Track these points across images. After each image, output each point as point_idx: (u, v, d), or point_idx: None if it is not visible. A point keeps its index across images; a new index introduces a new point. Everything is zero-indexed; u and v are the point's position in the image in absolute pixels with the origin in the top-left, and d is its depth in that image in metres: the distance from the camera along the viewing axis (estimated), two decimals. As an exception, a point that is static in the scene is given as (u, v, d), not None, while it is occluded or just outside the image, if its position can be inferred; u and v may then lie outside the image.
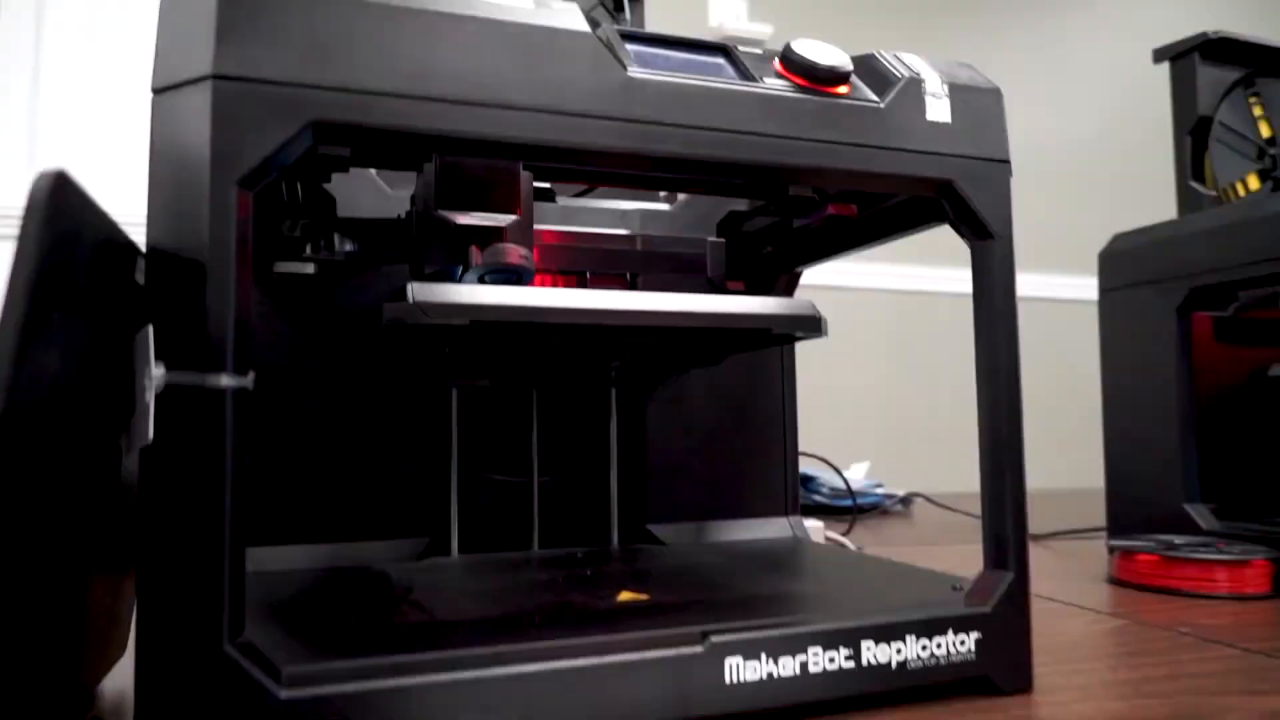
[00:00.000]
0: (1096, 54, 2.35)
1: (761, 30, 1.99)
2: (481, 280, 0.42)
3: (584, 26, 0.33)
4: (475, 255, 0.40)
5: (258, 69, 0.29)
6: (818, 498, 1.09)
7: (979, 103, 0.39)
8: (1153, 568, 0.60)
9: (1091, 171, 2.30)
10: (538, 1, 0.34)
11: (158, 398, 0.28)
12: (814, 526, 0.80)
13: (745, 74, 0.37)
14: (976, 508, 1.19)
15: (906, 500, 1.14)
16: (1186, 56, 0.80)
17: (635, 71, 0.33)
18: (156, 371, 0.28)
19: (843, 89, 0.37)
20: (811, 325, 0.41)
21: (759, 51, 0.38)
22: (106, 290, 0.29)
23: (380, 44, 0.30)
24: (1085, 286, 2.25)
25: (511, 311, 0.36)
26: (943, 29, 2.22)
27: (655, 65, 0.35)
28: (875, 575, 0.47)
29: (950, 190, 0.38)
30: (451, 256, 0.40)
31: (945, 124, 0.38)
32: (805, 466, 1.23)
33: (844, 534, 0.85)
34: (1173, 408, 0.71)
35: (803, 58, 0.37)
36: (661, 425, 0.57)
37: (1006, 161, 0.39)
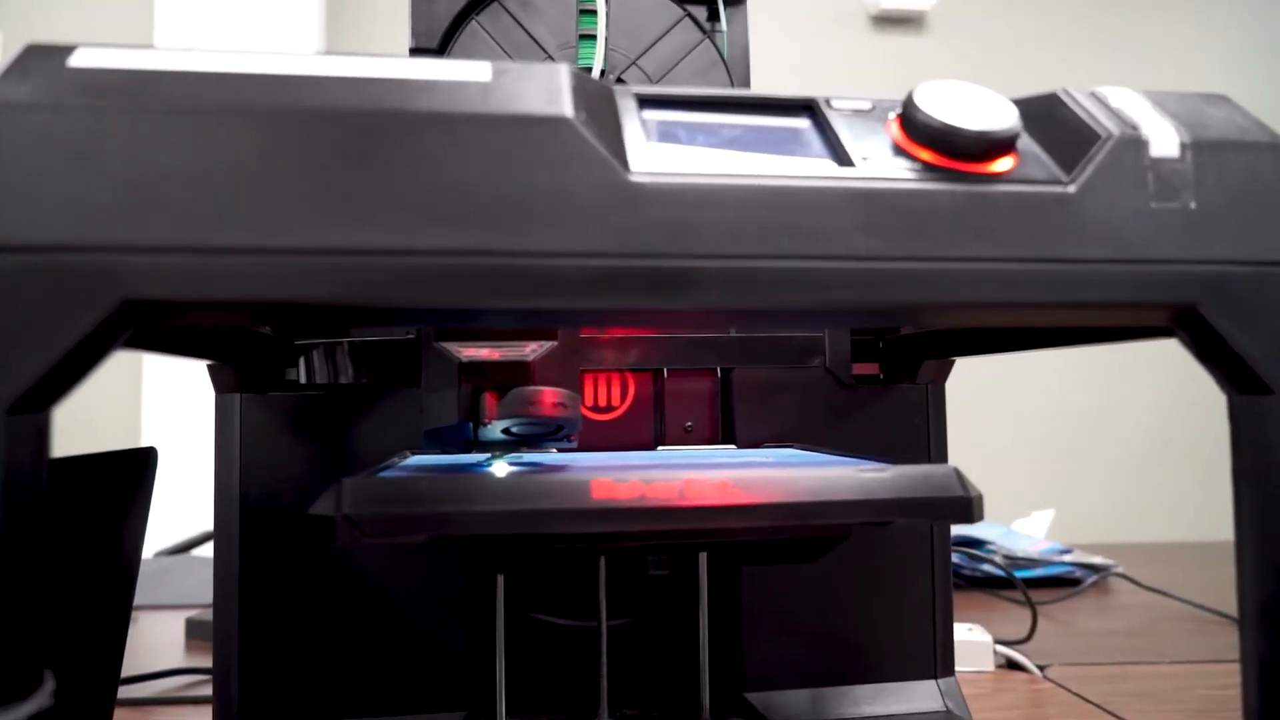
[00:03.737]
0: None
1: (920, 3, 1.77)
2: (507, 434, 0.31)
3: (562, 104, 0.21)
4: (490, 405, 0.29)
5: (23, 229, 0.19)
6: (987, 568, 0.91)
7: (1245, 168, 0.24)
8: None
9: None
10: (498, 68, 0.22)
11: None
12: (977, 642, 0.64)
13: (837, 151, 0.23)
14: (1184, 573, 0.96)
15: (1101, 570, 0.94)
16: None
17: (640, 172, 0.21)
18: (-110, 705, 0.18)
19: (1003, 163, 0.23)
20: (956, 510, 0.27)
21: (867, 106, 0.25)
22: None
23: (230, 171, 0.19)
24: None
25: (495, 520, 0.25)
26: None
27: (687, 150, 0.22)
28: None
29: (1194, 319, 0.23)
30: (459, 406, 0.29)
31: (1184, 210, 0.23)
32: (972, 526, 1.05)
33: (1023, 640, 0.68)
34: None
35: (934, 119, 0.23)
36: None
37: (1294, 264, 0.23)
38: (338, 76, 0.20)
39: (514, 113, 0.20)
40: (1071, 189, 0.23)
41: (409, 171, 0.20)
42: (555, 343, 0.28)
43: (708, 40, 0.50)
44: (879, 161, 0.22)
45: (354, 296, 0.19)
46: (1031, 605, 0.70)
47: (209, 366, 0.39)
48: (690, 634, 0.44)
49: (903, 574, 0.46)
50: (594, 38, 0.49)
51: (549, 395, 0.27)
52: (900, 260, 0.21)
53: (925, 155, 0.23)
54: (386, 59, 0.21)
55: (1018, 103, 0.24)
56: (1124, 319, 0.23)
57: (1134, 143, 0.23)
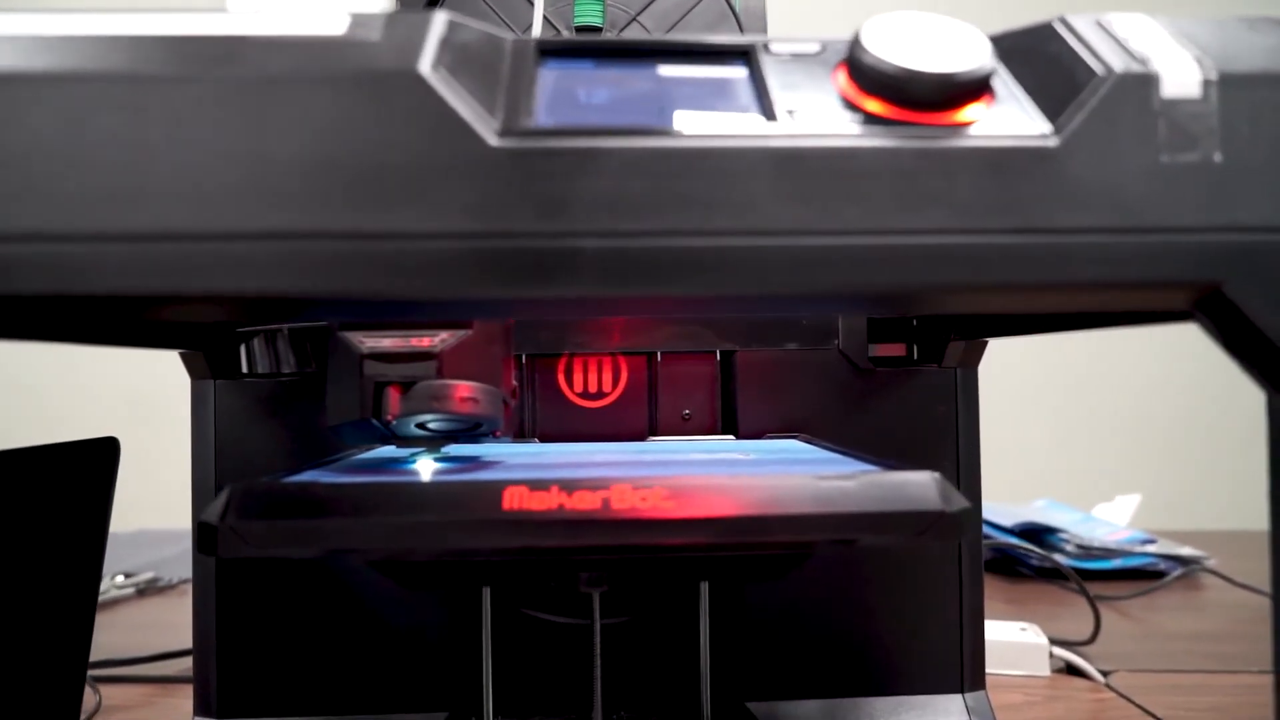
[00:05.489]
0: None
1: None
2: (422, 429, 0.28)
3: (417, 59, 0.18)
4: (393, 400, 0.26)
5: None
6: (1059, 557, 0.85)
7: (1291, 109, 0.19)
8: None
9: None
10: (357, 20, 0.19)
11: None
12: (1030, 644, 0.59)
13: (766, 105, 0.19)
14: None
15: (1189, 562, 0.86)
16: None
17: (508, 134, 0.17)
18: None
19: (971, 111, 0.19)
20: (934, 528, 0.23)
21: (814, 49, 0.21)
22: None
23: (21, 147, 0.17)
24: None
25: (393, 534, 0.22)
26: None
27: (584, 107, 0.19)
28: None
29: (1218, 302, 0.19)
30: (362, 401, 0.27)
31: (1205, 164, 0.18)
32: (1046, 512, 0.98)
33: (1086, 642, 0.62)
34: None
35: (882, 61, 0.18)
36: (772, 560, 0.41)
37: (1356, 230, 0.18)
38: (158, 36, 0.18)
39: (357, 70, 0.17)
40: (1055, 141, 0.18)
41: (233, 143, 0.17)
42: (469, 331, 0.25)
43: (717, -10, 0.45)
44: (811, 115, 0.18)
45: (171, 287, 0.17)
46: (1091, 602, 0.64)
47: (181, 354, 0.38)
48: (690, 634, 0.41)
49: (927, 573, 0.41)
50: (592, -8, 0.45)
51: (459, 390, 0.25)
52: (832, 235, 0.18)
53: (873, 106, 0.19)
54: (224, 14, 0.18)
55: (1000, 37, 0.20)
56: (1128, 302, 0.19)
57: (1139, 80, 0.18)
